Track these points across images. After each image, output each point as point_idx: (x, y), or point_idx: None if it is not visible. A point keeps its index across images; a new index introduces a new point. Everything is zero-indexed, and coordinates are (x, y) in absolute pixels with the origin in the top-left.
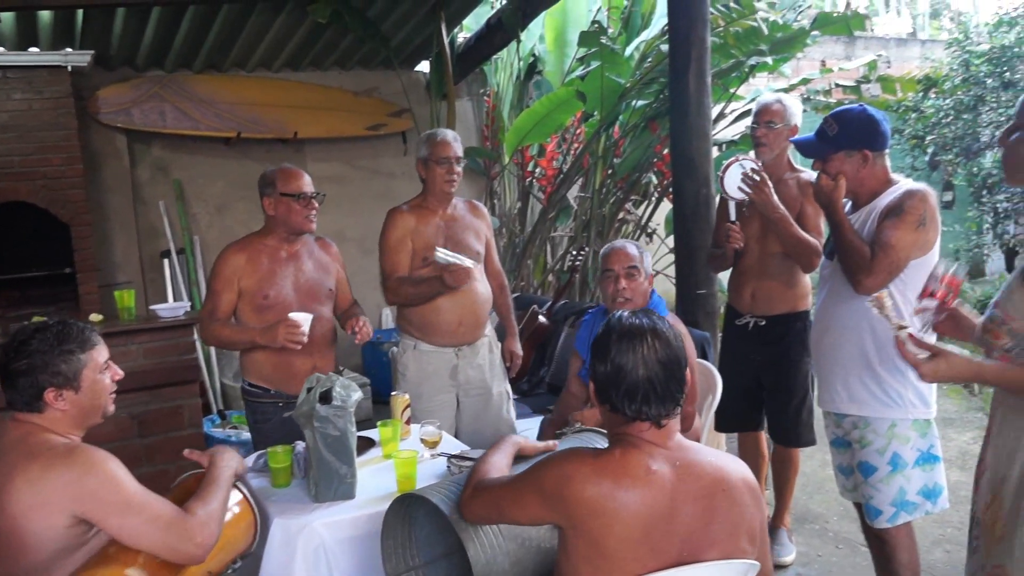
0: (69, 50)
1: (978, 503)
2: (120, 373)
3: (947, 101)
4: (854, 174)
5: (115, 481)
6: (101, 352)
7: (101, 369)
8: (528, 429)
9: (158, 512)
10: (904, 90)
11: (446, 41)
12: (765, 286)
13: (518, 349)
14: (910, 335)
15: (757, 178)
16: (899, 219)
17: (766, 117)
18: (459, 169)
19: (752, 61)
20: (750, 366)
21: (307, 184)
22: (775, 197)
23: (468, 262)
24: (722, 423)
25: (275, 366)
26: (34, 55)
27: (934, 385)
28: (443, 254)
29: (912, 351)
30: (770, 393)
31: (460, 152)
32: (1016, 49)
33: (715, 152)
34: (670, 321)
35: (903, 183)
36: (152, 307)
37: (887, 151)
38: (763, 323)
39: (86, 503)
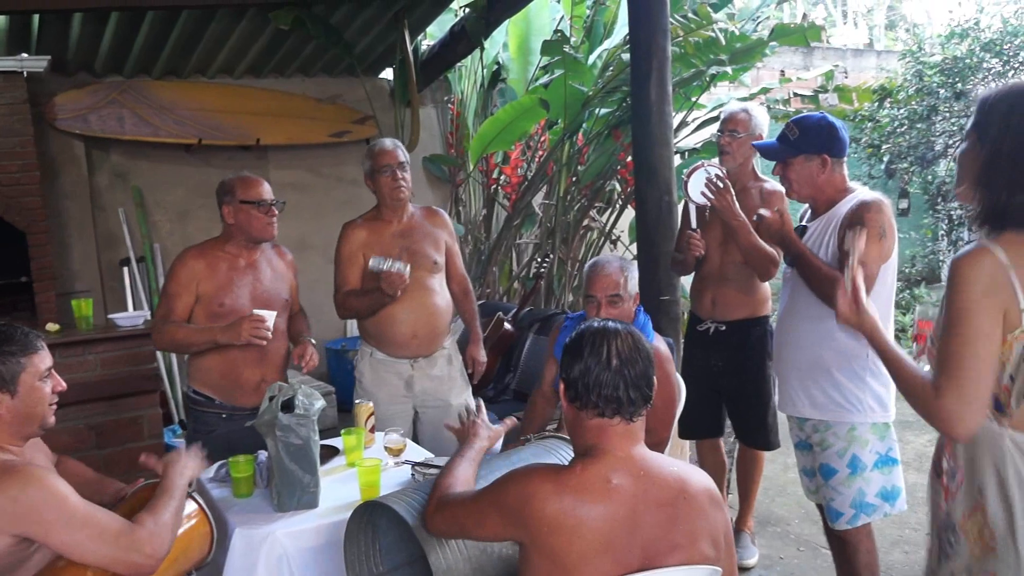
0: (25, 55)
1: (956, 510)
2: (63, 385)
3: (902, 111)
4: (812, 179)
5: (55, 497)
6: (44, 359)
7: (42, 376)
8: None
9: (104, 525)
10: (860, 100)
11: (409, 48)
12: (725, 292)
13: (481, 356)
14: (854, 284)
15: (720, 184)
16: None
17: (731, 126)
18: (404, 175)
19: (712, 71)
20: (711, 372)
21: (267, 191)
22: (736, 204)
23: (403, 267)
24: (685, 430)
25: (223, 374)
26: None
27: (892, 389)
28: (376, 261)
29: (845, 296)
30: (733, 398)
31: (403, 158)
32: (967, 60)
33: (677, 160)
34: (655, 344)
35: (859, 191)
36: (111, 316)
37: (844, 159)
38: (723, 328)
39: (25, 523)
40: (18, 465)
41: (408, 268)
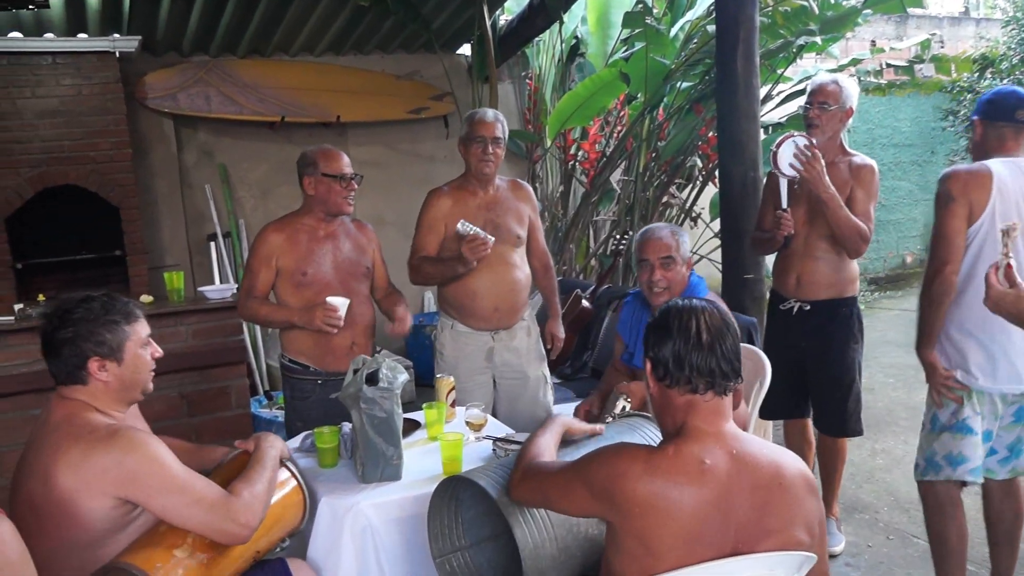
0: (116, 36)
1: None
2: (160, 351)
3: (1005, 81)
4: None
5: (156, 462)
6: (144, 327)
7: (143, 344)
8: (568, 414)
9: (201, 493)
10: (959, 70)
11: (488, 23)
12: (811, 270)
13: (560, 332)
14: (1008, 265)
15: (809, 154)
16: None
17: (820, 98)
18: (495, 150)
19: (801, 41)
20: (794, 352)
21: (347, 165)
22: (826, 176)
23: (489, 238)
24: (766, 410)
25: (315, 342)
26: (82, 41)
27: (974, 356)
28: (464, 226)
29: (997, 279)
30: (815, 381)
31: (499, 133)
32: None
33: (761, 135)
34: (711, 298)
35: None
36: (200, 289)
37: (998, 122)
38: (808, 308)
39: (127, 486)
40: (122, 429)
41: (493, 240)
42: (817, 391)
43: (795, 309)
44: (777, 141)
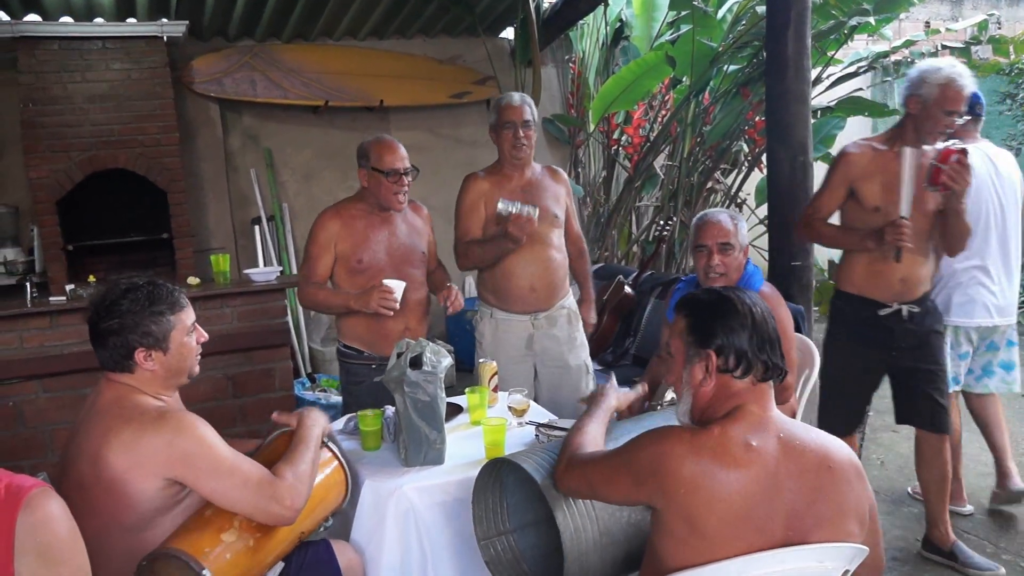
0: (164, 20)
1: None
2: (205, 336)
3: None
4: None
5: (205, 444)
6: (189, 314)
7: (188, 331)
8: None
9: (248, 475)
10: (1017, 52)
11: (531, 7)
12: (918, 268)
13: (592, 317)
14: None
15: (959, 166)
16: None
17: (962, 106)
18: (527, 132)
19: (853, 21)
20: (884, 359)
21: (399, 160)
22: None
23: (532, 211)
24: (840, 428)
25: (369, 328)
26: (131, 26)
27: (957, 298)
28: (505, 204)
29: None
30: (920, 379)
31: (529, 116)
32: None
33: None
34: (765, 291)
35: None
36: (246, 271)
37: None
38: (916, 309)
39: (177, 467)
40: (173, 412)
41: (537, 211)
42: (923, 389)
43: (904, 312)
44: (940, 155)
